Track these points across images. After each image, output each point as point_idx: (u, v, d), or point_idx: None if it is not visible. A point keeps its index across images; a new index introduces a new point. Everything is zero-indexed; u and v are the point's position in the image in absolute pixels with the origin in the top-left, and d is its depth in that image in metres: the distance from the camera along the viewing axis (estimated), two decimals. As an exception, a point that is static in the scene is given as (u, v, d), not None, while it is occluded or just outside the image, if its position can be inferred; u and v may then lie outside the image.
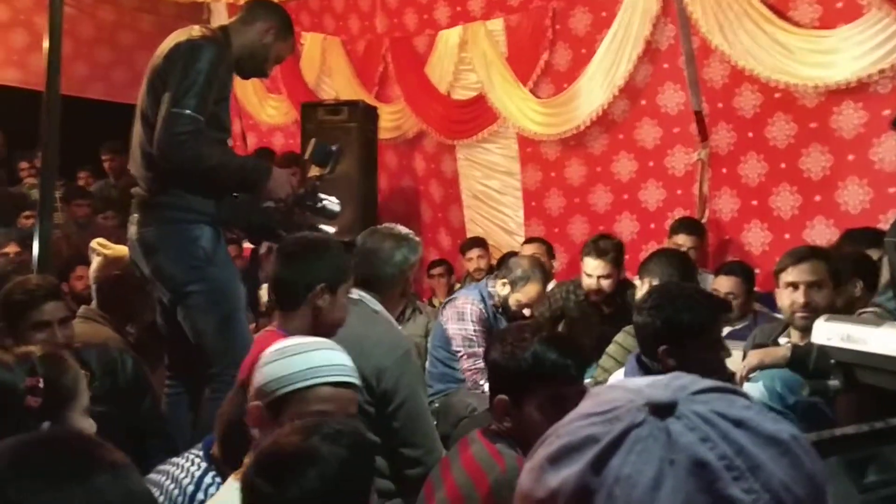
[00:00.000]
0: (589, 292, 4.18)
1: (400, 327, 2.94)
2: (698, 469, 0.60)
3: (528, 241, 5.47)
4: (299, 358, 1.82)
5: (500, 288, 4.19)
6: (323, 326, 2.46)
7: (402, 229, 2.96)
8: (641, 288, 3.47)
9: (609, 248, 4.13)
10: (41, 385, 1.71)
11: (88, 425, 1.84)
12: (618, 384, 0.71)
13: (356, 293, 2.72)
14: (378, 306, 2.76)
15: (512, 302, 4.16)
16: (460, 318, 4.18)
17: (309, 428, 1.51)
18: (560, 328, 4.46)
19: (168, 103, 2.98)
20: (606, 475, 0.61)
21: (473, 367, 4.07)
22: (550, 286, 5.03)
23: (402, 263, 2.84)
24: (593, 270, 4.10)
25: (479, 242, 5.83)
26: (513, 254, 5.09)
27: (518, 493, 0.68)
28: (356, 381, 1.87)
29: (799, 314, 2.90)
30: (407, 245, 2.88)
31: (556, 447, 0.65)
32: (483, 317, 4.19)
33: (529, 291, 4.13)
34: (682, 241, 4.64)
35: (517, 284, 4.14)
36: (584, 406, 0.68)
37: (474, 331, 4.14)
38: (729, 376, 2.58)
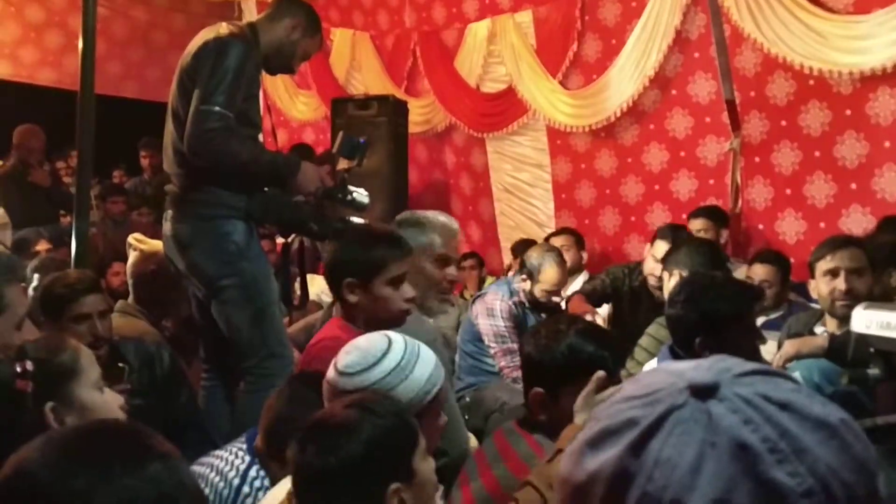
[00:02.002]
0: (649, 275, 4.12)
1: (430, 319, 2.85)
2: (740, 452, 0.59)
3: (555, 233, 5.40)
4: (420, 366, 1.82)
5: (523, 285, 4.20)
6: (372, 322, 2.42)
7: (421, 214, 2.86)
8: (669, 280, 3.43)
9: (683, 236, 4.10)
10: (29, 368, 1.70)
11: (102, 400, 1.82)
12: (660, 368, 0.69)
13: None
14: None
15: (538, 293, 4.16)
16: (490, 314, 4.19)
17: (354, 401, 1.59)
18: (608, 308, 4.43)
19: (197, 101, 2.99)
20: (646, 458, 0.60)
21: (511, 364, 4.05)
22: (583, 276, 5.00)
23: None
24: (662, 253, 4.03)
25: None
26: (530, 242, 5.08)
27: (559, 477, 0.67)
28: None
29: (840, 302, 2.85)
30: (416, 229, 2.77)
31: (595, 431, 0.64)
32: (513, 312, 4.19)
33: (548, 277, 4.12)
34: (699, 225, 4.64)
35: (534, 275, 4.15)
36: (625, 390, 0.67)
37: (505, 327, 4.14)
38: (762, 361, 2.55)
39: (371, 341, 1.86)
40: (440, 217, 2.77)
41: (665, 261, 3.59)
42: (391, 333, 1.90)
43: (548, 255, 4.17)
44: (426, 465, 1.58)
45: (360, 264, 2.48)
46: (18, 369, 1.69)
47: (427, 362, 1.83)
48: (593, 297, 4.32)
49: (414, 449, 1.55)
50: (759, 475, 0.58)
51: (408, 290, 2.52)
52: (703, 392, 0.62)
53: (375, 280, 2.47)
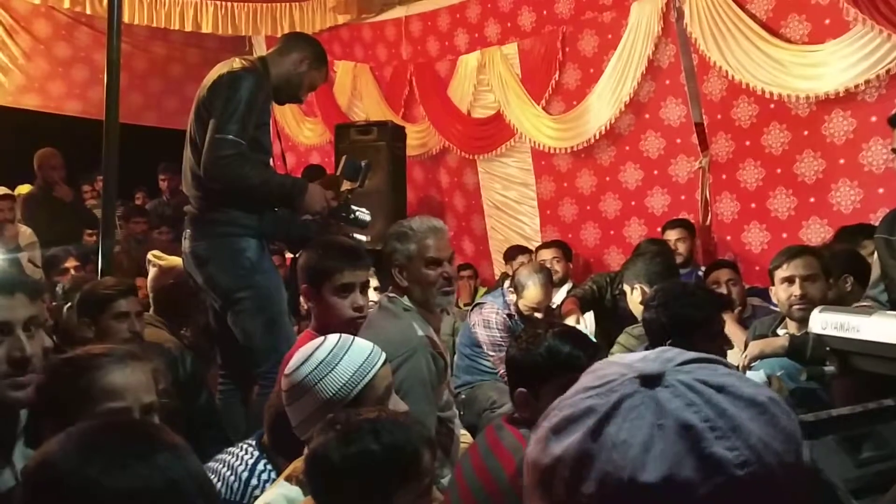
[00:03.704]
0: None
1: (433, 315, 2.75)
2: (685, 431, 0.61)
3: (546, 245, 5.43)
4: (349, 358, 1.84)
5: (511, 297, 4.24)
6: (328, 327, 2.44)
7: (407, 224, 2.75)
8: (631, 293, 3.44)
9: None
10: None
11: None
12: (613, 360, 0.72)
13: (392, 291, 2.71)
14: (408, 303, 2.66)
15: (521, 307, 4.19)
16: (487, 325, 4.24)
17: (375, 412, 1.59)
18: (590, 314, 4.46)
19: (212, 130, 3.02)
20: (604, 441, 0.62)
21: None
22: (569, 286, 5.04)
23: (392, 254, 2.68)
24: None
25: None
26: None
27: (526, 462, 0.69)
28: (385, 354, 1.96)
29: (796, 306, 2.89)
30: (402, 239, 2.68)
31: (558, 419, 0.67)
32: (507, 323, 4.24)
33: (531, 295, 4.15)
34: (672, 235, 4.82)
35: (519, 291, 4.17)
36: (583, 381, 0.69)
37: (501, 337, 4.20)
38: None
39: (307, 343, 1.93)
40: (424, 222, 2.73)
41: (624, 274, 3.61)
42: (333, 335, 1.95)
43: (534, 276, 4.18)
44: None
45: (312, 271, 2.56)
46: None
47: (357, 357, 1.85)
48: (583, 301, 4.36)
49: (400, 485, 1.50)
50: (702, 451, 0.60)
51: (357, 299, 2.55)
52: (651, 380, 0.65)
53: (324, 287, 2.54)
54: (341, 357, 1.84)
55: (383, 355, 1.92)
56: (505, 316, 4.23)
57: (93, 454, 0.98)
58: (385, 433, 1.51)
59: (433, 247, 2.66)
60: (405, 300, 2.64)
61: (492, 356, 4.20)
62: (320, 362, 1.84)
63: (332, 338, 1.92)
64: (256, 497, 1.94)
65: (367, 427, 1.52)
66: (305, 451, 1.67)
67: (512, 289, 4.23)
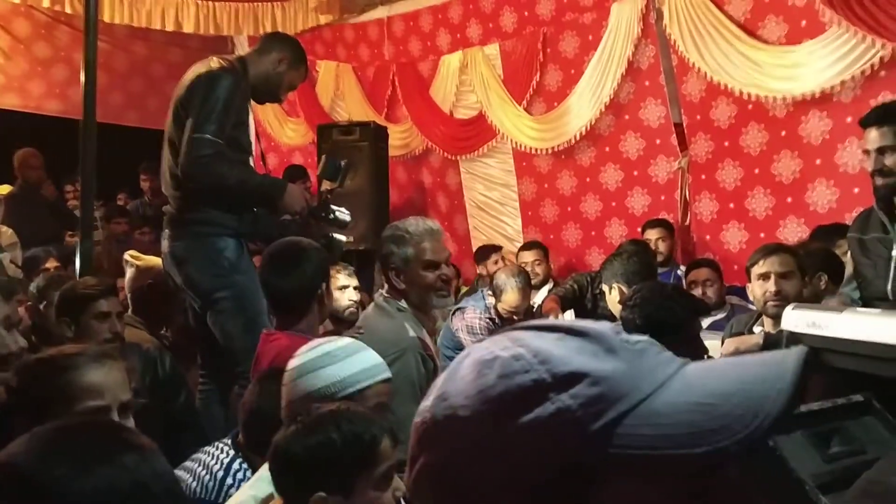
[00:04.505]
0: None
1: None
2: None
3: (526, 247, 5.42)
4: (351, 361, 1.85)
5: (490, 299, 4.24)
6: (322, 318, 2.56)
7: (403, 227, 2.73)
8: (610, 293, 3.45)
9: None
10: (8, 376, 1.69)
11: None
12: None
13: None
14: (403, 304, 2.65)
15: (500, 310, 4.20)
16: (471, 331, 4.22)
17: (331, 409, 1.60)
18: (571, 312, 4.45)
19: (190, 129, 3.01)
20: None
21: None
22: (549, 285, 5.05)
23: (388, 257, 2.67)
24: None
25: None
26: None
27: None
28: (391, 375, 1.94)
29: (771, 303, 2.90)
30: (399, 242, 2.68)
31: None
32: (490, 327, 4.23)
33: (508, 300, 4.16)
34: (651, 235, 4.85)
35: (498, 295, 4.17)
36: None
37: None
38: None
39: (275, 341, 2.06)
40: (420, 225, 2.72)
41: (602, 274, 3.63)
42: (348, 338, 1.98)
43: (511, 279, 4.18)
44: (373, 494, 1.54)
45: (325, 269, 2.62)
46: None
47: (359, 362, 1.86)
48: (564, 300, 4.36)
49: (362, 471, 1.53)
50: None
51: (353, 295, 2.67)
52: None
53: (330, 282, 2.68)
54: (345, 357, 1.86)
55: (387, 375, 1.91)
56: (487, 320, 4.23)
57: (58, 455, 0.97)
58: (345, 422, 1.54)
59: (430, 249, 2.65)
60: (401, 302, 2.63)
61: None
62: (324, 353, 1.86)
63: (348, 339, 1.94)
64: (232, 495, 1.93)
65: (329, 418, 1.55)
66: None
67: (489, 292, 4.23)
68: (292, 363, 1.88)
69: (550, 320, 0.69)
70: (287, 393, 1.85)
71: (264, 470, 1.71)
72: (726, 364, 0.63)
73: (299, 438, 1.52)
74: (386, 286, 2.70)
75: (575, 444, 0.58)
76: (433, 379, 2.66)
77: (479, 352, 0.66)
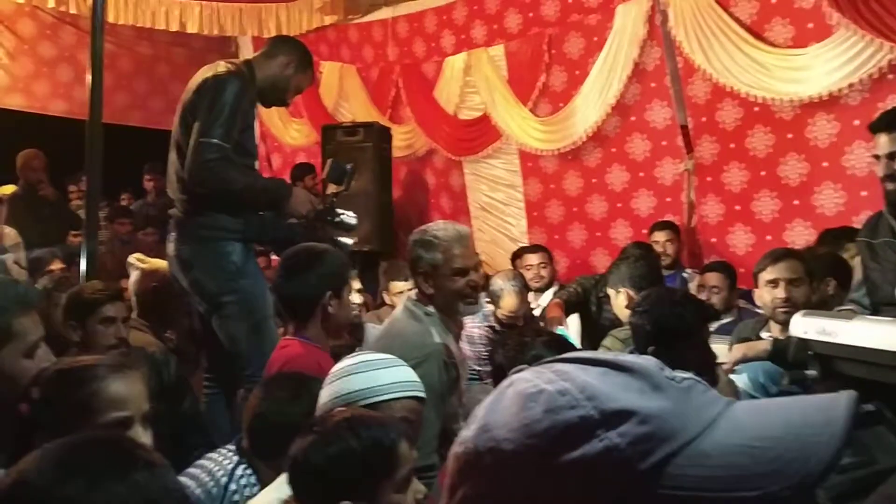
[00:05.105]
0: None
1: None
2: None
3: (531, 250, 5.31)
4: (386, 372, 1.85)
5: (488, 307, 4.21)
6: (334, 328, 2.50)
7: (431, 232, 2.66)
8: (616, 297, 3.43)
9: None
10: (35, 396, 1.63)
11: (21, 368, 1.75)
12: None
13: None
14: (431, 309, 2.61)
15: (499, 315, 4.17)
16: (470, 341, 4.16)
17: (346, 416, 1.60)
18: (576, 316, 4.44)
19: (197, 134, 3.01)
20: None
21: None
22: (555, 288, 5.02)
23: (417, 262, 2.63)
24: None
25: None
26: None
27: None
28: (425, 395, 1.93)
29: (780, 309, 2.89)
30: (427, 247, 2.62)
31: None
32: (489, 336, 4.18)
33: (506, 304, 4.12)
34: (659, 237, 4.83)
35: (495, 301, 4.15)
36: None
37: (486, 351, 4.14)
38: (715, 376, 2.56)
39: (290, 347, 2.10)
40: (450, 230, 2.65)
41: (608, 278, 3.61)
42: (390, 354, 1.98)
43: (507, 283, 4.14)
44: (395, 498, 1.54)
45: (339, 276, 2.58)
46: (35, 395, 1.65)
47: (394, 375, 1.86)
48: (568, 304, 4.34)
49: (382, 478, 1.52)
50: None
51: (356, 297, 2.62)
52: None
53: (344, 290, 2.59)
54: (381, 367, 1.86)
55: (420, 394, 1.89)
56: (486, 328, 4.19)
57: (70, 473, 0.97)
58: (362, 428, 1.53)
59: (459, 256, 2.60)
60: (429, 307, 2.60)
61: (478, 370, 4.15)
62: (362, 361, 1.87)
63: (389, 355, 1.95)
64: (235, 502, 1.93)
65: (344, 425, 1.54)
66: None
67: (488, 299, 4.19)
68: (332, 369, 1.90)
69: (595, 353, 0.69)
70: (321, 397, 1.86)
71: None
72: (774, 406, 0.63)
73: (318, 448, 1.51)
74: (415, 291, 2.69)
75: (623, 483, 0.58)
76: (456, 386, 2.65)
77: (522, 383, 0.65)
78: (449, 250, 2.59)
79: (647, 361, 0.65)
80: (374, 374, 1.84)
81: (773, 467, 0.56)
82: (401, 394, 1.85)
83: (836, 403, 0.59)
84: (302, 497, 1.54)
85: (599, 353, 0.69)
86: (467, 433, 0.65)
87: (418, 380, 1.91)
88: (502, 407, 0.64)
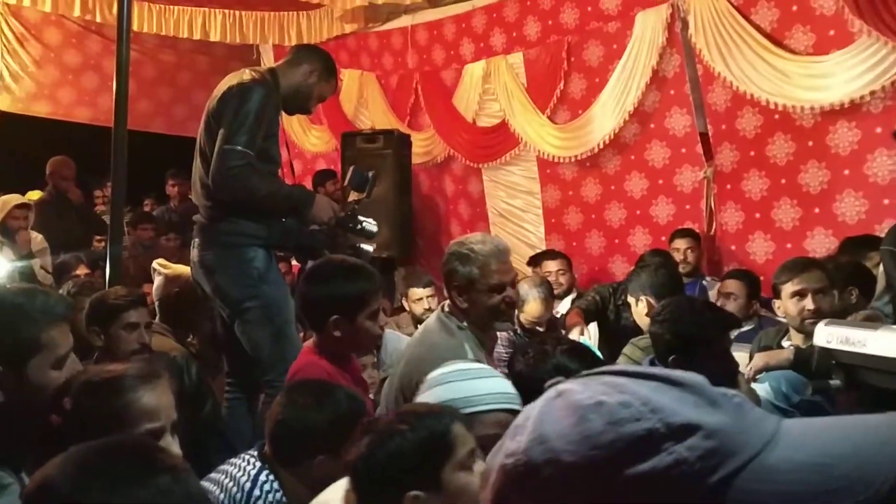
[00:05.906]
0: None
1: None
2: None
3: (550, 256, 5.28)
4: (484, 382, 1.82)
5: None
6: (348, 350, 2.41)
7: (468, 245, 2.55)
8: (637, 305, 3.40)
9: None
10: (66, 406, 1.63)
11: (48, 379, 1.72)
12: None
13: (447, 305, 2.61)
14: (463, 324, 2.52)
15: (523, 320, 4.15)
16: None
17: (400, 412, 1.64)
18: (594, 325, 4.41)
19: (221, 141, 3.02)
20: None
21: None
22: (573, 295, 5.01)
23: (452, 275, 2.54)
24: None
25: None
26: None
27: (484, 474, 0.71)
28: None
29: (809, 320, 2.81)
30: (463, 260, 2.52)
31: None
32: (511, 339, 4.17)
33: (531, 310, 4.10)
34: (680, 244, 4.82)
35: (519, 306, 4.12)
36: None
37: (507, 353, 4.12)
38: (736, 385, 2.53)
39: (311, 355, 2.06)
40: (487, 244, 2.53)
41: (629, 286, 3.58)
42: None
43: (533, 290, 4.12)
44: (461, 477, 1.54)
45: (350, 300, 2.39)
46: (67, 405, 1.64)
47: (492, 386, 1.83)
48: (587, 313, 4.31)
49: (444, 462, 1.53)
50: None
51: (382, 319, 2.49)
52: None
53: (361, 315, 2.40)
54: (478, 377, 1.82)
55: (515, 407, 1.81)
56: (508, 333, 4.18)
57: (93, 477, 0.97)
58: (415, 419, 1.56)
59: (497, 271, 2.49)
60: (462, 322, 2.52)
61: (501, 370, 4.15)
62: (458, 370, 1.84)
63: (485, 364, 1.94)
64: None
65: (397, 420, 1.56)
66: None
67: None
68: (426, 378, 1.87)
69: (643, 368, 0.68)
70: (427, 397, 1.84)
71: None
72: (832, 423, 0.63)
73: (377, 447, 1.52)
74: (448, 301, 2.60)
75: (692, 496, 0.58)
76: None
77: (574, 395, 0.65)
78: (486, 265, 2.48)
79: (696, 377, 0.65)
80: (472, 383, 1.80)
81: (840, 484, 0.56)
82: (496, 405, 1.80)
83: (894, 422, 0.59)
84: (368, 494, 1.54)
85: (647, 367, 0.69)
86: (515, 445, 0.64)
87: (514, 391, 1.84)
88: (555, 418, 0.63)
